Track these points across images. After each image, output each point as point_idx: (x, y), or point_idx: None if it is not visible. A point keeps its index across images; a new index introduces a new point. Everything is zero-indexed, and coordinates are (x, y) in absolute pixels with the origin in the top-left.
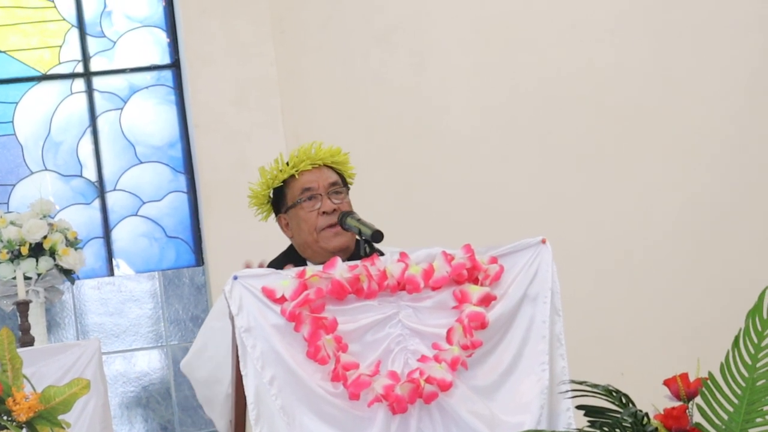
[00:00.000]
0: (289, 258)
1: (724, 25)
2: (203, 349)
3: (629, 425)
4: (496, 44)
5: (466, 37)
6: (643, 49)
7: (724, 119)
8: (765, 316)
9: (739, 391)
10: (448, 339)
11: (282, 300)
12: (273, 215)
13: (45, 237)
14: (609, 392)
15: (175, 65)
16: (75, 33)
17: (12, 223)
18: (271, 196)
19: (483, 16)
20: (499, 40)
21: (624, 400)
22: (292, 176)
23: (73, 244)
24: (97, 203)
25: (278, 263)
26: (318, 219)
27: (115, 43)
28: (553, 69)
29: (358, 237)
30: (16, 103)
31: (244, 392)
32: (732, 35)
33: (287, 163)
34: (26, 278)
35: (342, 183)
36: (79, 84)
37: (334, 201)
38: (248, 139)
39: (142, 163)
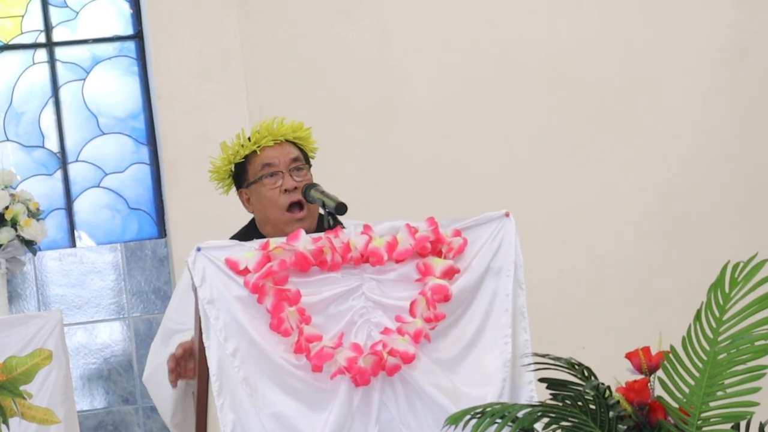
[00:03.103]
0: (251, 232)
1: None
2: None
3: (591, 398)
4: (460, 19)
5: (430, 11)
6: (610, 25)
7: (694, 98)
8: (727, 290)
9: (700, 365)
10: (411, 312)
11: (245, 272)
12: (234, 189)
13: (7, 208)
14: (571, 365)
15: (138, 36)
16: (37, 3)
17: None
18: (233, 170)
19: None
20: (464, 14)
21: (586, 373)
22: (254, 152)
23: (35, 215)
24: (59, 174)
25: (240, 237)
26: (280, 197)
27: (77, 13)
28: (518, 44)
29: (321, 209)
30: None
31: (206, 364)
32: (702, 10)
33: (249, 139)
34: None
35: (304, 159)
36: (42, 54)
37: (296, 178)
38: (212, 111)
39: (104, 134)
